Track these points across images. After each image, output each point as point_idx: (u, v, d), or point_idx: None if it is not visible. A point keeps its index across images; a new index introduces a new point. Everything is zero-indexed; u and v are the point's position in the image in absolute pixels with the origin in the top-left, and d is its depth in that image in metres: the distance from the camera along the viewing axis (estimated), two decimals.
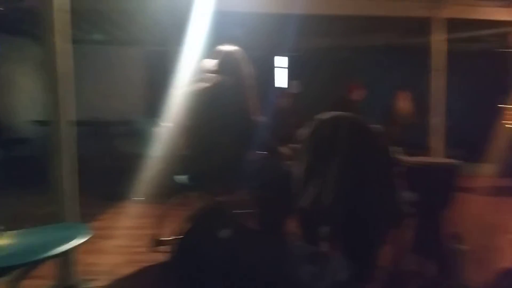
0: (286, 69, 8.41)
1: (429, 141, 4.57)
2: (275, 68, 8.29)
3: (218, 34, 3.92)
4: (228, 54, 2.40)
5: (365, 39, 7.17)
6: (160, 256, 2.46)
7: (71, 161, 2.00)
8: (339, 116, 1.85)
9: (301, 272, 1.59)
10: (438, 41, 4.61)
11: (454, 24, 4.70)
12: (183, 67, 4.97)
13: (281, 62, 8.40)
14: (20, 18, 6.48)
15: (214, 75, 2.33)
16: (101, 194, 4.22)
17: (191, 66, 4.66)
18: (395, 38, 6.99)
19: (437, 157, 4.08)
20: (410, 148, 3.36)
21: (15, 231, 1.36)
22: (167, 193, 2.86)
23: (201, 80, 2.33)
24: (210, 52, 2.49)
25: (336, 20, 5.83)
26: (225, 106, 2.21)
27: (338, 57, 8.06)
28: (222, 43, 2.45)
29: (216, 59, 2.42)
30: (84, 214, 2.14)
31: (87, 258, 2.36)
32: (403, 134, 4.88)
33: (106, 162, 5.19)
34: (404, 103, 5.52)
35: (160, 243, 2.60)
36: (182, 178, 2.39)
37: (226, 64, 2.37)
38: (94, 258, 2.41)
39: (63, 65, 1.95)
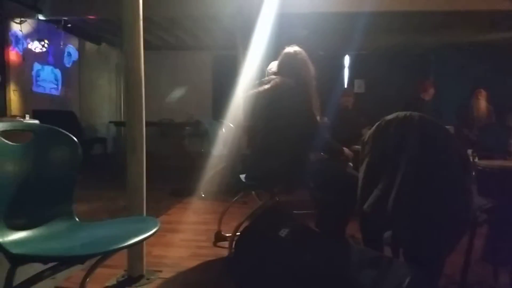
0: (350, 68, 8.18)
1: (509, 144, 4.18)
2: (340, 67, 8.11)
3: (284, 36, 3.95)
4: (288, 55, 2.41)
5: (439, 36, 6.73)
6: (222, 251, 2.54)
7: (143, 159, 2.14)
8: (407, 116, 1.76)
9: (361, 277, 1.55)
10: None
11: None
12: (248, 70, 5.08)
13: (345, 61, 8.20)
14: (101, 27, 7.08)
15: (274, 76, 2.35)
16: (169, 190, 4.45)
17: (256, 69, 4.75)
18: (472, 34, 6.47)
19: None
20: (487, 150, 3.10)
21: (92, 223, 1.50)
22: (229, 191, 2.95)
23: (263, 82, 2.37)
24: (276, 54, 2.52)
25: (408, 16, 5.56)
26: (285, 107, 2.22)
27: (409, 55, 7.67)
28: (287, 44, 2.46)
29: (278, 61, 2.44)
30: (153, 208, 2.27)
31: (154, 250, 2.51)
32: (479, 135, 4.52)
33: (174, 161, 5.46)
34: (481, 103, 5.10)
35: (223, 238, 2.69)
36: (244, 177, 2.45)
37: (287, 65, 2.38)
38: (161, 251, 2.55)
39: (138, 70, 2.10)
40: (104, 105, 8.79)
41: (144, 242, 2.04)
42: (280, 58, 2.43)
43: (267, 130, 2.29)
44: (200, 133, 6.58)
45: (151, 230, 1.27)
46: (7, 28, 5.85)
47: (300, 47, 2.43)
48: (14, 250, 1.12)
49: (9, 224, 1.26)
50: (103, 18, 6.16)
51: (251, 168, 2.40)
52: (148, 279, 2.09)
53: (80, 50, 7.70)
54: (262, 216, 2.13)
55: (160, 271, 2.20)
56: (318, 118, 2.35)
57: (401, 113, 1.80)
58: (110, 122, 8.33)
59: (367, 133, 1.91)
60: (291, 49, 2.42)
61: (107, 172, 6.13)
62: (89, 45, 7.91)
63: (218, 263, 2.40)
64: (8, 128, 1.39)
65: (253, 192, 2.77)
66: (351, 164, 2.45)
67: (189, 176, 4.31)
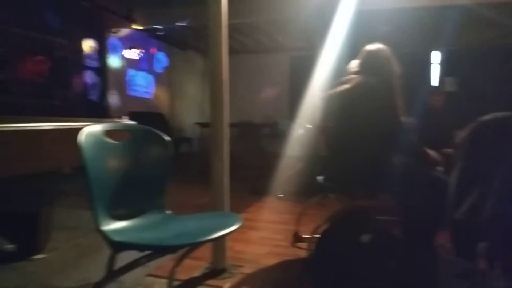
0: (440, 65, 7.58)
1: None
2: (427, 65, 7.58)
3: (364, 34, 3.83)
4: (369, 53, 2.32)
5: None
6: (301, 252, 2.55)
7: (226, 158, 2.24)
8: (508, 117, 1.60)
9: None
10: None
11: None
12: (325, 70, 5.01)
13: (434, 58, 7.62)
14: (188, 34, 7.52)
15: (355, 76, 2.29)
16: (248, 189, 4.58)
17: (333, 69, 4.67)
18: None
19: None
20: None
21: (181, 216, 1.61)
22: (307, 192, 2.94)
23: (343, 81, 2.31)
24: (354, 53, 2.45)
25: (504, 7, 5.01)
26: (366, 107, 2.14)
27: (508, 49, 6.90)
28: (367, 42, 2.38)
29: (359, 59, 2.37)
30: (234, 205, 2.36)
31: (235, 246, 2.61)
32: None
33: (252, 161, 5.60)
34: None
35: (301, 239, 2.69)
36: (322, 179, 2.43)
37: (368, 64, 2.30)
38: (242, 247, 2.64)
39: (222, 75, 2.20)
40: (190, 107, 9.33)
41: (227, 237, 2.15)
42: (361, 56, 2.36)
43: (346, 131, 2.23)
44: (277, 134, 6.65)
45: (234, 225, 1.33)
46: (106, 38, 6.52)
47: (383, 44, 2.33)
48: (115, 238, 1.26)
49: (111, 214, 1.41)
50: (190, 26, 6.53)
51: (329, 170, 2.36)
52: (230, 273, 2.19)
53: (169, 56, 8.28)
54: (343, 220, 2.09)
55: (241, 266, 2.28)
56: (402, 118, 2.24)
57: (499, 114, 1.64)
58: (196, 123, 8.82)
59: (460, 135, 1.77)
60: (373, 46, 2.33)
61: (193, 169, 6.50)
62: (177, 52, 8.46)
63: (297, 263, 2.41)
64: (112, 128, 1.56)
65: (331, 195, 2.73)
66: (440, 168, 2.28)
67: (267, 176, 4.39)
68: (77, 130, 2.03)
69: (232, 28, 2.31)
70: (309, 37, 6.08)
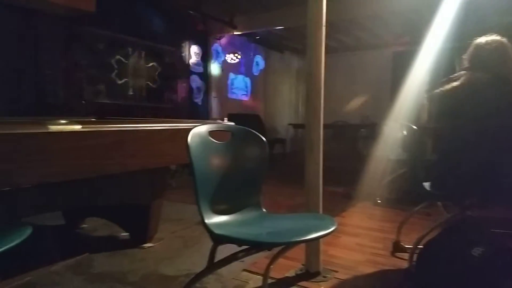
0: None
1: None
2: None
3: (476, 25, 3.45)
4: (477, 46, 2.07)
5: None
6: (401, 263, 2.39)
7: (320, 160, 2.21)
8: None
9: None
10: None
11: None
12: (431, 67, 4.63)
13: None
14: (284, 36, 7.63)
15: (465, 72, 2.06)
16: (343, 192, 4.46)
17: (441, 65, 4.28)
18: None
19: None
20: None
21: (276, 214, 1.64)
22: (410, 199, 2.75)
23: (451, 79, 2.10)
24: (467, 47, 2.21)
25: None
26: (478, 107, 1.92)
27: None
28: (480, 34, 2.13)
29: (468, 53, 2.13)
30: (328, 208, 2.32)
31: (329, 250, 2.56)
32: None
33: (348, 163, 5.44)
34: None
35: (402, 249, 2.53)
36: (428, 186, 2.24)
37: (476, 58, 2.05)
38: (336, 251, 2.58)
39: (319, 75, 2.18)
40: (284, 108, 9.45)
41: (321, 239, 2.12)
42: (470, 50, 2.12)
43: (457, 133, 2.03)
44: (376, 135, 6.34)
45: (329, 228, 1.30)
46: (210, 44, 6.95)
47: (498, 36, 2.06)
48: (217, 231, 1.32)
49: (213, 209, 1.49)
50: (287, 28, 6.61)
51: (438, 176, 2.16)
52: (324, 276, 2.15)
53: (266, 59, 8.49)
54: (451, 231, 1.91)
55: (336, 271, 2.23)
56: None
57: None
58: (289, 124, 8.91)
59: None
60: (483, 39, 2.08)
61: (286, 170, 6.57)
62: (273, 54, 8.64)
63: (396, 274, 2.27)
64: (215, 129, 1.65)
65: (439, 203, 2.50)
66: None
67: (363, 180, 4.22)
68: (183, 130, 2.20)
69: (330, 26, 2.27)
70: (413, 31, 5.68)
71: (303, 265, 2.25)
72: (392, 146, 3.98)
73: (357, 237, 2.92)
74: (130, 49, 5.44)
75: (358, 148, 7.27)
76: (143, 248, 2.66)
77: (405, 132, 3.97)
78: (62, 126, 1.70)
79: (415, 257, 2.11)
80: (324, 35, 2.17)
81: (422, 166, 2.47)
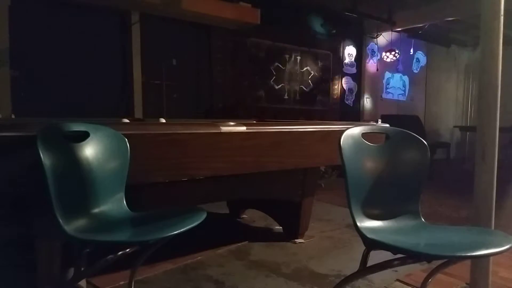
0: None
1: None
2: None
3: None
4: None
5: None
6: None
7: (494, 168, 1.93)
8: None
9: None
10: None
11: None
12: None
13: None
14: (451, 28, 6.87)
15: None
16: None
17: None
18: None
19: None
20: None
21: (436, 225, 1.51)
22: None
23: None
24: None
25: None
26: None
27: None
28: None
29: None
30: (503, 224, 2.00)
31: (501, 271, 2.21)
32: None
33: None
34: None
35: None
36: None
37: None
38: (510, 274, 2.21)
39: (495, 70, 1.91)
40: (448, 109, 8.50)
41: (491, 258, 1.86)
42: None
43: None
44: None
45: (502, 246, 1.14)
46: (365, 44, 6.77)
47: None
48: (370, 235, 1.31)
49: (366, 212, 1.48)
50: (455, 20, 5.95)
51: None
52: None
53: (428, 55, 7.79)
54: None
55: None
56: None
57: None
58: (455, 126, 7.96)
59: None
60: None
61: (450, 178, 5.91)
62: (437, 49, 7.87)
63: None
64: (369, 131, 1.63)
65: None
66: None
67: None
68: (334, 132, 2.23)
69: (509, 14, 1.96)
70: None
71: (467, 284, 2.01)
72: None
73: None
74: (287, 56, 5.75)
75: None
76: (295, 243, 2.79)
77: None
78: (231, 127, 1.94)
79: None
80: (502, 25, 1.89)
81: None
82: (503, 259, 2.32)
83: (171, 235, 1.22)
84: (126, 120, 2.37)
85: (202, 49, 4.93)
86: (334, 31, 6.13)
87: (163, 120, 2.63)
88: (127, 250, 1.30)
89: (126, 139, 1.61)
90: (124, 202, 1.60)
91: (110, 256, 1.29)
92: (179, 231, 1.24)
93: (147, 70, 4.41)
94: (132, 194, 1.64)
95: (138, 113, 4.31)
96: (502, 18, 1.89)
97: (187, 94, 4.81)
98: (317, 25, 5.97)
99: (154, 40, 4.45)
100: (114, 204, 1.58)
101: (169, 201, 2.16)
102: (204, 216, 1.40)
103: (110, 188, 1.59)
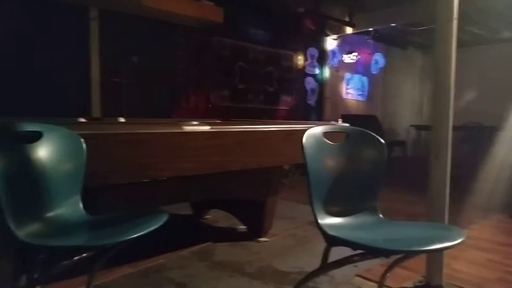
0: None
1: None
2: None
3: None
4: None
5: None
6: None
7: (447, 165, 2.03)
8: None
9: None
10: None
11: None
12: None
13: None
14: (408, 31, 7.16)
15: None
16: (473, 202, 3.98)
17: None
18: None
19: None
20: None
21: (394, 221, 1.56)
22: None
23: None
24: None
25: None
26: None
27: None
28: None
29: None
30: (453, 219, 2.11)
31: (454, 264, 2.33)
32: None
33: (482, 170, 4.83)
34: None
35: None
36: None
37: None
38: (461, 266, 2.34)
39: (448, 72, 2.00)
40: (405, 109, 8.86)
41: (445, 252, 1.95)
42: None
43: None
44: None
45: (455, 240, 1.20)
46: (326, 44, 6.91)
47: None
48: (330, 232, 1.33)
49: (327, 210, 1.50)
50: (411, 23, 6.21)
51: None
52: None
53: (387, 56, 8.08)
54: None
55: (461, 287, 2.03)
56: None
57: None
58: (411, 125, 8.31)
59: None
60: None
61: (406, 175, 6.16)
62: (395, 51, 8.17)
63: None
64: (329, 130, 1.66)
65: None
66: None
67: (498, 190, 3.72)
68: (297, 131, 2.26)
69: (462, 18, 2.07)
70: None
71: (423, 277, 2.10)
72: None
73: (488, 252, 2.60)
74: (251, 55, 5.76)
75: (493, 153, 6.41)
76: (259, 242, 2.80)
77: None
78: (194, 126, 1.91)
79: None
80: (455, 29, 1.99)
81: None
82: (456, 252, 2.44)
83: (130, 238, 1.18)
84: (83, 120, 2.27)
85: (164, 47, 4.83)
86: (296, 33, 6.21)
87: (122, 120, 2.55)
88: (84, 255, 1.25)
89: (83, 140, 1.54)
90: (81, 205, 1.53)
91: (66, 261, 1.24)
92: (138, 234, 1.20)
93: (106, 68, 4.26)
94: (91, 196, 1.57)
95: (96, 113, 4.15)
96: (455, 22, 1.99)
97: (149, 93, 4.70)
98: (280, 25, 6.03)
99: (113, 37, 4.31)
100: (70, 208, 1.51)
101: (131, 204, 2.10)
102: (165, 218, 1.37)
103: (65, 191, 1.52)
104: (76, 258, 1.23)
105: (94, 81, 4.17)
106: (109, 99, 4.30)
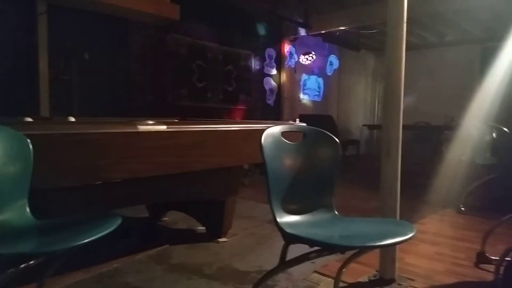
0: None
1: None
2: None
3: None
4: None
5: None
6: (485, 275, 2.21)
7: (398, 163, 2.12)
8: None
9: None
10: None
11: None
12: None
13: None
14: (360, 34, 7.41)
15: None
16: (423, 198, 4.20)
17: None
18: None
19: None
20: None
21: (349, 217, 1.61)
22: (498, 207, 2.52)
23: None
24: None
25: None
26: None
27: None
28: None
29: None
30: (405, 214, 2.21)
31: (406, 257, 2.44)
32: None
33: (429, 167, 5.11)
34: None
35: (487, 260, 2.33)
36: None
37: None
38: (413, 259, 2.45)
39: (398, 73, 2.09)
40: (358, 109, 9.17)
41: (397, 246, 2.04)
42: None
43: None
44: (461, 138, 5.87)
45: (406, 234, 1.25)
46: (283, 45, 7.01)
47: None
48: (288, 230, 1.35)
49: (285, 208, 1.52)
50: (364, 26, 6.43)
51: None
52: (399, 284, 2.06)
53: (341, 58, 8.32)
54: None
55: (412, 280, 2.13)
56: None
57: None
58: (364, 125, 8.63)
59: None
60: None
61: (359, 172, 6.38)
62: (348, 53, 8.43)
63: (479, 286, 2.10)
64: (287, 130, 1.68)
65: None
66: None
67: (445, 186, 3.94)
68: (256, 131, 2.27)
69: (412, 22, 2.17)
70: (505, 25, 5.17)
71: (377, 271, 2.18)
72: (479, 150, 3.67)
73: (437, 246, 2.75)
74: (209, 54, 5.71)
75: (441, 152, 6.80)
76: (218, 242, 2.78)
77: (494, 135, 3.64)
78: (150, 126, 1.86)
79: (501, 269, 1.93)
80: (404, 32, 2.08)
81: None
82: (408, 247, 2.56)
83: (81, 244, 1.13)
84: (29, 119, 2.14)
85: (119, 44, 4.67)
86: (253, 32, 6.24)
87: (72, 119, 2.43)
88: (31, 262, 1.17)
89: (29, 140, 1.45)
90: (28, 209, 1.44)
91: (11, 269, 1.16)
92: (90, 239, 1.15)
93: (55, 65, 4.05)
94: (39, 200, 1.48)
95: (45, 112, 3.93)
96: (405, 25, 2.09)
97: (102, 91, 4.52)
98: (238, 26, 6.02)
99: (63, 33, 4.10)
100: (16, 212, 1.42)
101: (83, 207, 2.00)
102: (118, 222, 1.31)
103: (10, 195, 1.42)
104: (22, 266, 1.16)
105: (43, 78, 3.95)
106: (58, 98, 4.10)
